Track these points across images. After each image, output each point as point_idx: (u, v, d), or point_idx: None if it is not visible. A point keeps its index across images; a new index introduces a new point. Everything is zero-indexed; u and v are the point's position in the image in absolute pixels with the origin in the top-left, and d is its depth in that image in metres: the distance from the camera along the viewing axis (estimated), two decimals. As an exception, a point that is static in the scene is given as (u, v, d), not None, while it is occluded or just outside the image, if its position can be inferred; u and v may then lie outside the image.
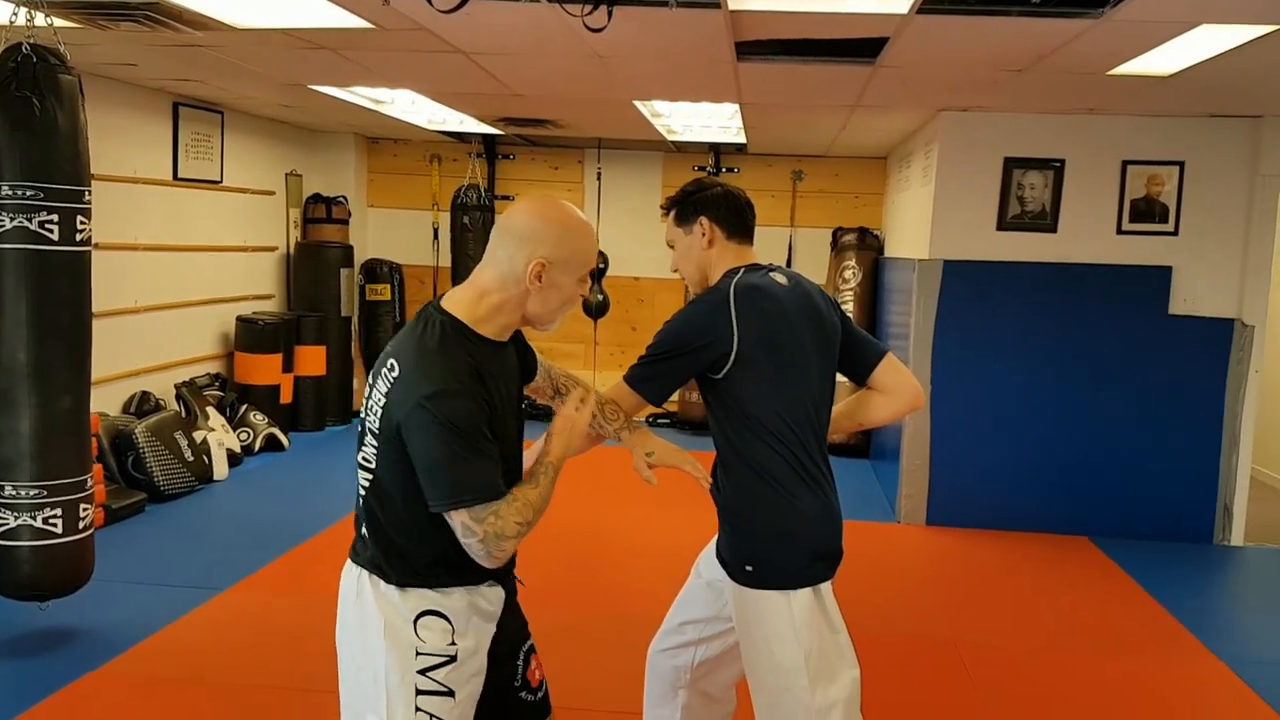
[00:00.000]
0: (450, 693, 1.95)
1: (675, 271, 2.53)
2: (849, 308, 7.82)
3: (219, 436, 6.56)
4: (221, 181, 7.25)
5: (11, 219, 3.53)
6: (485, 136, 8.28)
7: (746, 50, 4.36)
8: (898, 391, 2.53)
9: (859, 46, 4.20)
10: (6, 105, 3.50)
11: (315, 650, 3.93)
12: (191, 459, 6.12)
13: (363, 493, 1.97)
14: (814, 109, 6.01)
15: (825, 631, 2.27)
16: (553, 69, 5.05)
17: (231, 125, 7.31)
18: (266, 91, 6.41)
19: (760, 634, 2.29)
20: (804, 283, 2.46)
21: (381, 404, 1.89)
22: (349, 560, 2.03)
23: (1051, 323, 5.80)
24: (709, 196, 2.45)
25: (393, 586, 1.94)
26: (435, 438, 1.83)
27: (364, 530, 1.99)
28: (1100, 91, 5.00)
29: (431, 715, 1.93)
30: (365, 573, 1.97)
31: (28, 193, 3.52)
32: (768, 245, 8.41)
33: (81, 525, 3.77)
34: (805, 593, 2.25)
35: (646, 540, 5.39)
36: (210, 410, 6.78)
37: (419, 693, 1.92)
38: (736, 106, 6.02)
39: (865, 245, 7.96)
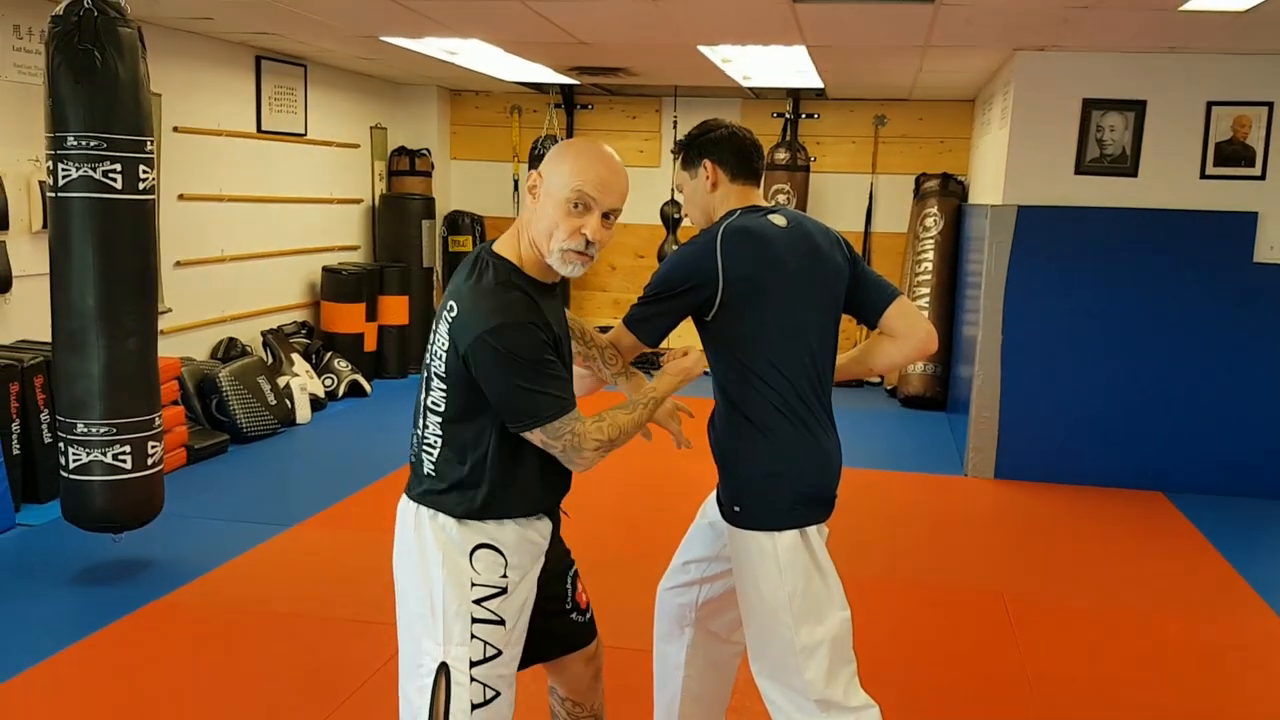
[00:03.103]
0: (502, 621, 2.05)
1: (685, 217, 2.54)
2: (929, 257, 7.66)
3: (303, 381, 6.80)
4: (306, 134, 7.44)
5: (77, 168, 3.70)
6: (564, 87, 8.31)
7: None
8: (907, 336, 2.46)
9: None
10: (69, 58, 3.66)
11: (378, 583, 4.09)
12: (274, 403, 6.37)
13: (433, 434, 2.06)
14: (884, 51, 5.88)
15: (812, 573, 2.27)
16: (610, 15, 5.04)
17: (315, 78, 7.48)
18: (343, 44, 6.55)
19: (748, 573, 2.31)
20: (806, 223, 2.43)
21: (445, 346, 1.98)
22: (405, 496, 2.12)
23: (1130, 271, 5.60)
24: (713, 139, 2.42)
25: (451, 520, 2.03)
26: (502, 369, 1.93)
27: (426, 469, 2.07)
28: (1180, 28, 4.77)
29: (486, 643, 2.03)
30: (424, 508, 2.06)
31: (91, 143, 3.68)
32: (848, 193, 8.32)
33: (150, 462, 3.97)
34: (790, 534, 2.25)
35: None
36: (296, 357, 7.02)
37: (474, 621, 2.02)
38: (804, 49, 5.91)
39: (948, 192, 7.76)
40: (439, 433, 2.04)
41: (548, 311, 2.04)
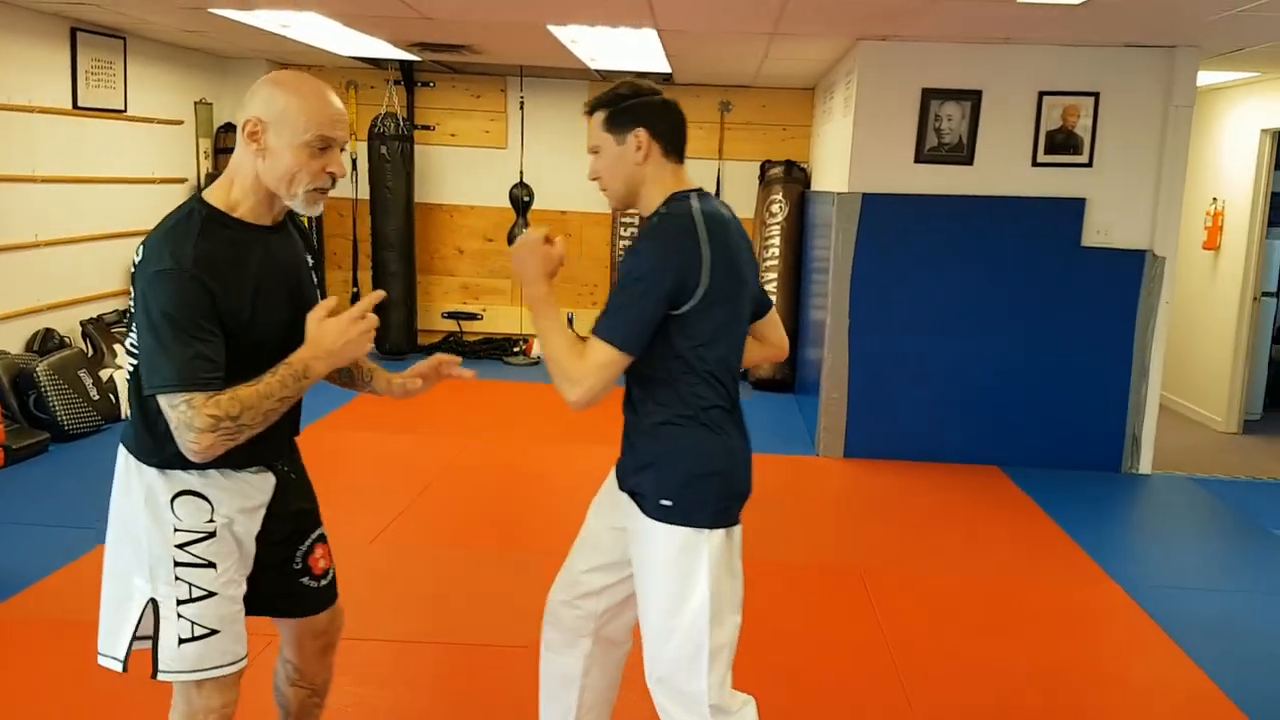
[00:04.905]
0: (212, 565, 2.06)
1: (595, 179, 2.31)
2: (775, 242, 7.79)
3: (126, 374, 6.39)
4: (126, 110, 6.97)
5: None
6: (403, 63, 8.05)
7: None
8: (773, 344, 2.52)
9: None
10: None
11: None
12: (97, 398, 5.97)
13: (128, 380, 2.05)
14: (733, 36, 5.90)
15: (730, 575, 2.22)
16: (459, -8, 4.89)
17: (135, 51, 7.01)
18: (167, 16, 6.15)
19: (665, 571, 2.19)
20: (735, 217, 2.36)
21: (134, 296, 1.96)
22: (120, 443, 2.11)
23: (967, 256, 5.81)
24: (650, 105, 2.22)
25: (152, 469, 2.03)
26: (145, 322, 1.89)
27: (131, 415, 2.07)
28: (1017, 20, 4.95)
29: (192, 585, 2.04)
30: (131, 456, 2.06)
31: (-112, 118, 3.34)
32: (696, 178, 8.24)
33: (-37, 466, 3.65)
34: (720, 533, 2.19)
35: (560, 474, 5.37)
36: (119, 348, 6.59)
37: (177, 564, 2.04)
38: (655, 33, 5.88)
39: (792, 179, 7.90)
40: (135, 378, 2.01)
41: (258, 255, 2.00)
